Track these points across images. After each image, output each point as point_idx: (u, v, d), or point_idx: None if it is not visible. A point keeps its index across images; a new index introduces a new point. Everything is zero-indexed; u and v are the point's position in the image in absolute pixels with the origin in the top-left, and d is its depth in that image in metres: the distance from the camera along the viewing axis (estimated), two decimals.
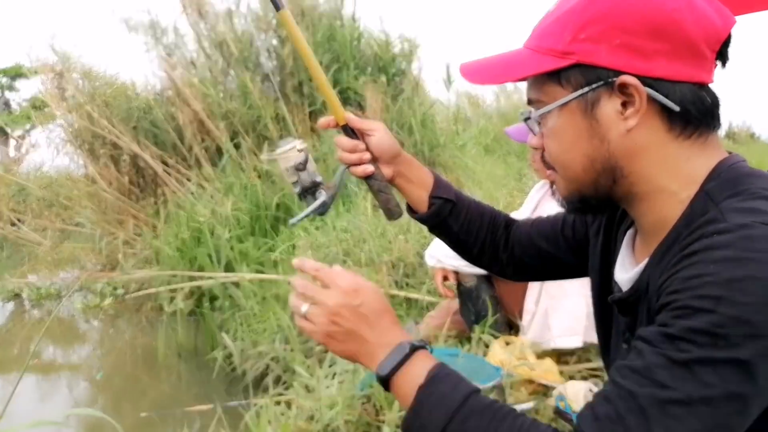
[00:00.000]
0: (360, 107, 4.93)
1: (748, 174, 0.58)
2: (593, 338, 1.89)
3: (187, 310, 3.76)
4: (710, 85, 0.59)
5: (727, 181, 0.57)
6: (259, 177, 4.56)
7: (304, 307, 0.65)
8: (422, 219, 0.90)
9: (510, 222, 0.93)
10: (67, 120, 5.73)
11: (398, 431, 1.53)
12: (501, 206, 3.97)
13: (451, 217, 0.88)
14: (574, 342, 1.93)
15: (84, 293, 4.79)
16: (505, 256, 0.90)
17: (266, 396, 1.90)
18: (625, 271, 0.66)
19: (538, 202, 2.07)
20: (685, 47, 0.56)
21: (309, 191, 0.84)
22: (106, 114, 5.39)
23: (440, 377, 0.60)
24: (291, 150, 0.83)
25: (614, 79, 0.57)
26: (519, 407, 1.55)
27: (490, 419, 0.56)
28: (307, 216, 0.67)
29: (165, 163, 5.28)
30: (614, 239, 0.74)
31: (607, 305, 0.70)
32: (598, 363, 1.92)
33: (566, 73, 0.59)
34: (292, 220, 0.74)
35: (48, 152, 6.29)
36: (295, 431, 1.60)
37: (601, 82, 0.58)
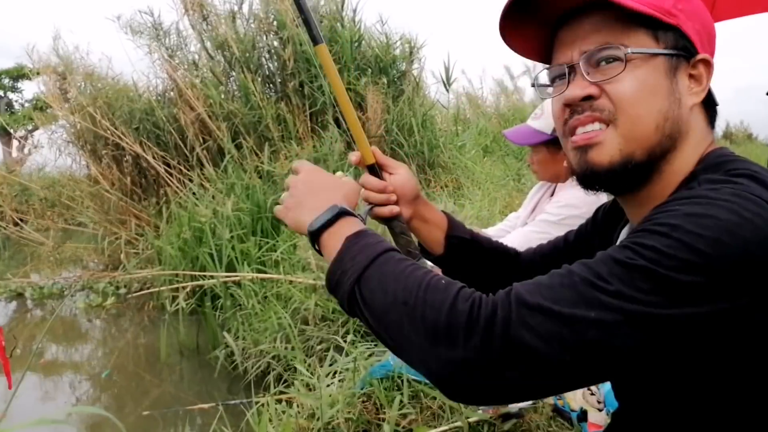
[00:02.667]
0: (361, 108, 4.95)
1: (734, 159, 0.61)
2: None
3: (189, 309, 3.77)
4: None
5: (711, 165, 0.61)
6: (260, 177, 4.57)
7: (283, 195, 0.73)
8: (440, 259, 0.89)
9: (517, 254, 0.94)
10: (69, 121, 5.75)
11: (398, 429, 1.54)
12: (500, 206, 3.98)
13: (469, 256, 0.89)
14: None
15: (86, 292, 4.80)
16: None
17: (267, 394, 1.91)
18: None
19: (537, 203, 2.08)
20: (712, 57, 0.64)
21: None
22: (108, 115, 5.41)
23: (367, 233, 0.64)
24: None
25: (696, 56, 0.62)
26: (518, 406, 1.56)
27: (407, 266, 0.59)
28: None
29: (167, 164, 5.31)
30: (614, 239, 0.76)
31: None
32: None
33: (664, 31, 0.61)
34: None
35: (50, 153, 6.32)
36: (296, 429, 1.60)
37: (688, 53, 0.62)
